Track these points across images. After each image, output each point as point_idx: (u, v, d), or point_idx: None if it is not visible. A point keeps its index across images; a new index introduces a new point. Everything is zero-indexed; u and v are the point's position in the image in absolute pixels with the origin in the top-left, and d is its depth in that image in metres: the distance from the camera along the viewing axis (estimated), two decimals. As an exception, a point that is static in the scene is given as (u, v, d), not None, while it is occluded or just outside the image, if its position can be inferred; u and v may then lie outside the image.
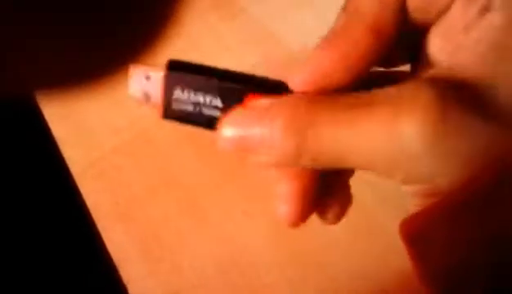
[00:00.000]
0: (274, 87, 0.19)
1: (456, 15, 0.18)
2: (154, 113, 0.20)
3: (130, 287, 0.29)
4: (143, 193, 0.32)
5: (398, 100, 0.16)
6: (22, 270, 0.33)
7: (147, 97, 0.19)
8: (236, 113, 0.18)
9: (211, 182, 0.32)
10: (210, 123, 0.19)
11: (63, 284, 0.32)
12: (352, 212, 0.29)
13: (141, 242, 0.31)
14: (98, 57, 0.37)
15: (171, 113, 0.19)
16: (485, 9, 0.17)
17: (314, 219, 0.29)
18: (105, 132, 0.35)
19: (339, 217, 0.22)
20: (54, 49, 0.38)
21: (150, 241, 0.31)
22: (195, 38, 0.38)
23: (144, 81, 0.19)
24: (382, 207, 0.27)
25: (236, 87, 0.19)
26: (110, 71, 0.37)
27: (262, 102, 0.18)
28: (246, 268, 0.29)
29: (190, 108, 0.19)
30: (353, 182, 0.26)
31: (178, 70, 0.19)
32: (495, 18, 0.17)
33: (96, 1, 0.40)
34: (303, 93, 0.18)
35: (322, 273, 0.28)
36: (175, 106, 0.19)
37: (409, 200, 0.18)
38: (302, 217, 0.20)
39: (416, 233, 0.17)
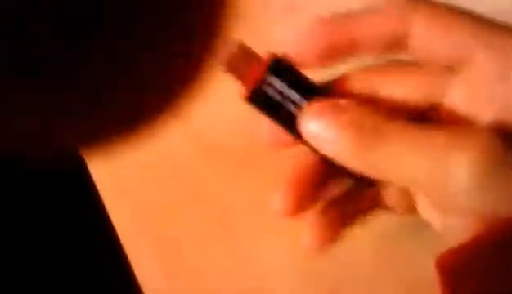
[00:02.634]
0: None
1: (484, 67, 0.19)
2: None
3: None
4: (167, 209, 0.32)
5: (453, 134, 0.18)
6: (45, 283, 0.33)
7: (236, 71, 0.21)
8: (315, 103, 0.20)
9: (235, 201, 0.32)
10: (285, 117, 0.20)
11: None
12: (379, 242, 0.30)
13: (163, 257, 0.31)
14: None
15: (257, 94, 0.20)
16: None
17: (339, 246, 0.30)
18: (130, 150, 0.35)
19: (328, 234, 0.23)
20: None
21: (172, 256, 0.31)
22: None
23: (241, 58, 0.21)
24: (410, 238, 0.28)
25: (326, 99, 0.20)
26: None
27: (337, 100, 0.20)
28: (267, 289, 0.30)
29: (277, 97, 0.20)
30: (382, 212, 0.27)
31: (280, 63, 0.21)
32: None
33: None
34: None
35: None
36: (264, 89, 0.20)
37: (447, 234, 0.19)
38: (294, 205, 0.22)
39: (454, 266, 0.17)
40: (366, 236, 0.29)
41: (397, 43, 0.20)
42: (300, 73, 0.21)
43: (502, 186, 0.17)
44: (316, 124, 0.19)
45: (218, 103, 0.37)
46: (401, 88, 0.22)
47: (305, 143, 0.21)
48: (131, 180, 0.34)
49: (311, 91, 0.21)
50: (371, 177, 0.20)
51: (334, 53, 0.21)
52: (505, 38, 0.19)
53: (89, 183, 0.34)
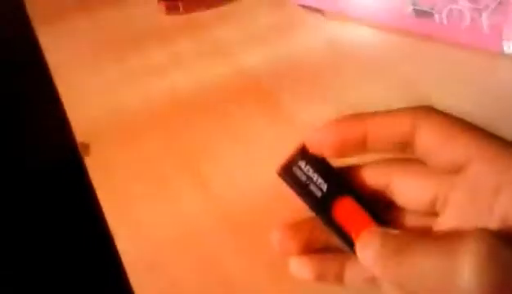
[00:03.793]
0: (366, 202, 0.24)
1: (473, 176, 0.21)
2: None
3: None
4: (191, 288, 0.33)
5: (453, 240, 0.20)
6: None
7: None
8: (367, 233, 0.23)
9: (257, 281, 0.33)
10: (308, 197, 0.24)
11: None
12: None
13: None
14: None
15: (287, 172, 0.25)
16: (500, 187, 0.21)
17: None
18: (158, 226, 0.36)
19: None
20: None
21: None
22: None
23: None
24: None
25: (343, 185, 0.25)
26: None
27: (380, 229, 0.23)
28: None
29: (303, 178, 0.25)
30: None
31: (309, 151, 0.25)
32: None
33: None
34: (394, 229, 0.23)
35: None
36: (294, 170, 0.25)
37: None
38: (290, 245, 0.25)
39: None
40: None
41: (404, 145, 0.23)
42: (325, 160, 0.25)
43: (499, 271, 0.19)
44: (369, 253, 0.22)
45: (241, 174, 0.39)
46: (412, 188, 0.24)
47: (323, 223, 0.24)
48: (157, 259, 0.35)
49: (333, 176, 0.25)
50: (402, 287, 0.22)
51: (346, 147, 0.24)
52: (500, 150, 0.21)
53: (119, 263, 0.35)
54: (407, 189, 0.24)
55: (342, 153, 0.24)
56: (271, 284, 0.33)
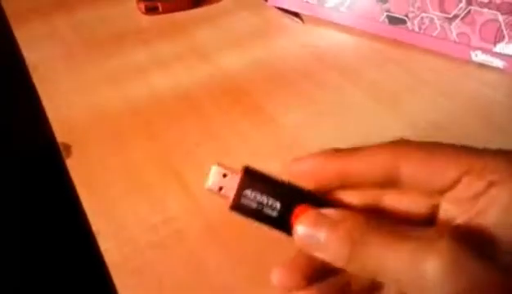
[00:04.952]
0: (324, 204, 0.23)
1: (464, 188, 0.22)
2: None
3: None
4: (175, 290, 0.34)
5: (427, 240, 0.20)
6: None
7: (220, 189, 0.25)
8: (308, 215, 0.23)
9: (240, 283, 0.34)
10: (266, 220, 0.24)
11: None
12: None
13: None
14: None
15: (238, 206, 0.24)
16: (491, 185, 0.21)
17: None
18: (141, 228, 0.37)
19: None
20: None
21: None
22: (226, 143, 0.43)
23: (221, 177, 0.25)
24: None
25: (295, 196, 0.24)
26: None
27: (328, 211, 0.23)
28: None
29: (254, 205, 0.24)
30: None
31: (252, 175, 0.24)
32: (500, 192, 0.21)
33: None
34: (357, 211, 0.22)
35: None
36: (243, 201, 0.24)
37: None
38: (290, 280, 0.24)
39: None
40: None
41: (385, 181, 0.23)
42: (270, 177, 0.24)
43: (463, 279, 0.19)
44: (313, 234, 0.22)
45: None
46: (403, 201, 0.24)
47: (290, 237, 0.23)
48: (141, 261, 0.35)
49: (283, 191, 0.24)
50: (363, 277, 0.23)
51: (322, 183, 0.24)
52: (485, 160, 0.22)
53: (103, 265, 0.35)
54: (401, 203, 0.24)
55: (320, 186, 0.24)
56: (255, 285, 0.33)
